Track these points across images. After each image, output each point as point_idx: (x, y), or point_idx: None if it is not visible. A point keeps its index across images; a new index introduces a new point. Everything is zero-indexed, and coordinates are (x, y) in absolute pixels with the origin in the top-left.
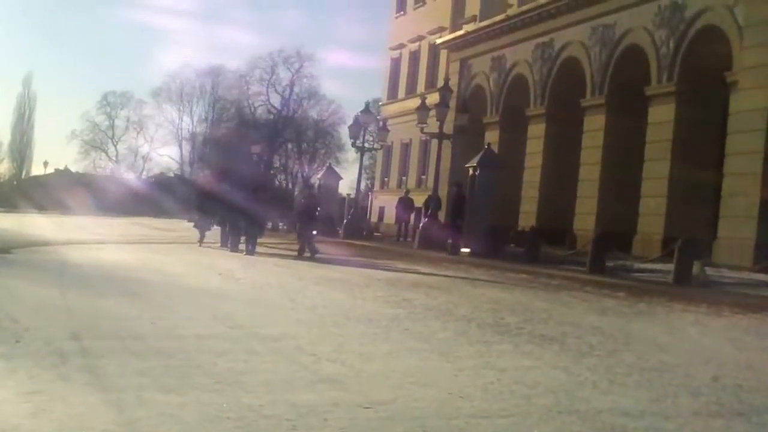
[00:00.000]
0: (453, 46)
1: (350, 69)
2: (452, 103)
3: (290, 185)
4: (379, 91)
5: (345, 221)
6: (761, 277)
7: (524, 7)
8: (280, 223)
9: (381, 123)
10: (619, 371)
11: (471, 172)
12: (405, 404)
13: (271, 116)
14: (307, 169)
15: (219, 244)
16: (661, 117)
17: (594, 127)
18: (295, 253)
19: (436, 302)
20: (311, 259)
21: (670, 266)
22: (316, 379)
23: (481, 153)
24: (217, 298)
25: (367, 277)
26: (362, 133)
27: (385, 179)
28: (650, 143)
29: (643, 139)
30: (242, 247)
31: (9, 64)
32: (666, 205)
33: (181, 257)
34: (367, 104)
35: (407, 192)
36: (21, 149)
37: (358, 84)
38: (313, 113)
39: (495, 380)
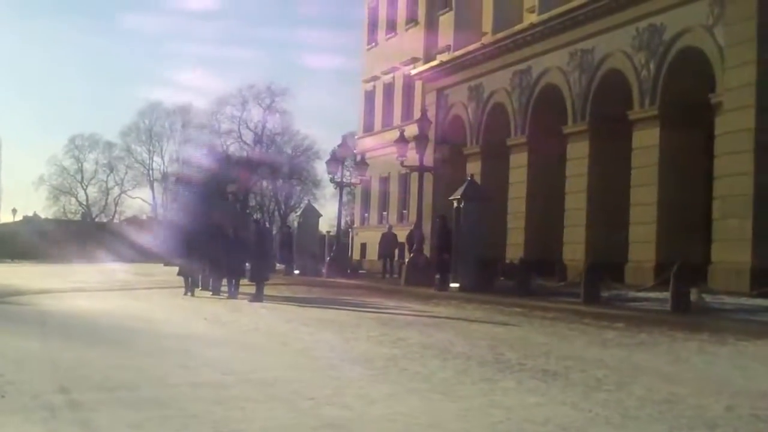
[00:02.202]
0: (428, 76)
1: (323, 103)
2: (431, 135)
3: (267, 224)
4: (354, 125)
5: (328, 259)
6: (760, 302)
7: (499, 35)
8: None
9: (359, 157)
10: (630, 405)
11: (456, 204)
12: None
13: (245, 153)
14: (284, 207)
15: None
16: (646, 141)
17: (578, 155)
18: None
19: (431, 340)
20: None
21: (666, 294)
22: (319, 424)
23: (464, 185)
24: (205, 344)
25: (357, 317)
26: (341, 168)
27: (365, 215)
28: (636, 168)
29: (629, 165)
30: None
31: None
32: (656, 232)
33: (163, 303)
34: (344, 138)
35: (390, 228)
36: None
37: (332, 118)
38: (288, 149)
39: (504, 419)
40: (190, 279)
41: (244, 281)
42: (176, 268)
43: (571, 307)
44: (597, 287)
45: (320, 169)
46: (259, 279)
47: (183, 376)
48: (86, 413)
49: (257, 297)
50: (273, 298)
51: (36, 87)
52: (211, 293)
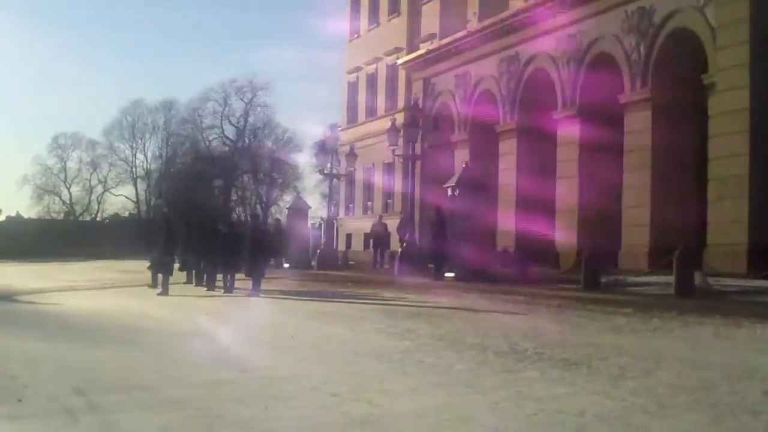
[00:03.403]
0: (415, 65)
1: (303, 96)
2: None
3: (248, 218)
4: (335, 118)
5: (318, 252)
6: (761, 283)
7: (486, 22)
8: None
9: (349, 148)
10: (663, 393)
11: (450, 192)
12: None
13: (227, 148)
14: (265, 200)
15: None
16: (638, 125)
17: (568, 140)
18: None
19: (441, 331)
20: (254, 295)
21: (664, 278)
22: (348, 421)
23: (459, 172)
24: (212, 340)
25: (359, 309)
26: (330, 159)
27: (350, 205)
28: (628, 152)
29: (621, 149)
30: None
31: None
32: (650, 216)
33: (160, 300)
34: (333, 129)
35: (380, 218)
36: None
37: (312, 111)
38: (269, 142)
39: (537, 411)
40: (163, 275)
41: (239, 276)
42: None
43: (572, 294)
44: (597, 274)
45: (301, 161)
46: (257, 274)
47: (198, 374)
48: (107, 415)
49: (255, 291)
50: (269, 293)
51: (17, 86)
52: (206, 288)
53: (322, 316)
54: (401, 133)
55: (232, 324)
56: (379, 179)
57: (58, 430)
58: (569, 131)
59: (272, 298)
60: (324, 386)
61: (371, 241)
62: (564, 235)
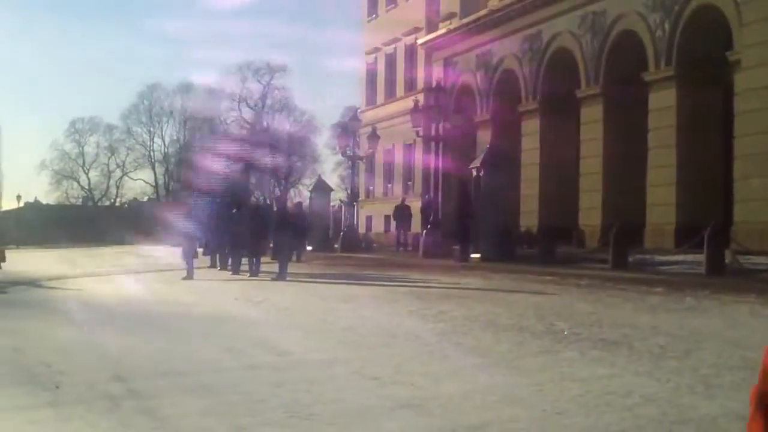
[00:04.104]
0: (435, 45)
1: (321, 78)
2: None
3: (268, 200)
4: (354, 99)
5: (341, 234)
6: None
7: (507, 0)
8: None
9: (371, 129)
10: (707, 373)
11: (474, 173)
12: (503, 427)
13: (245, 131)
14: (284, 183)
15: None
16: (663, 103)
17: (592, 119)
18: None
19: (474, 313)
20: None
21: (692, 257)
22: (394, 405)
23: (484, 152)
24: (245, 324)
25: (389, 292)
26: (353, 141)
27: (370, 187)
28: (653, 130)
29: (646, 127)
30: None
31: None
32: (675, 194)
33: (186, 284)
34: (352, 110)
35: (403, 199)
36: None
37: (330, 93)
38: (287, 125)
39: (583, 392)
40: (193, 262)
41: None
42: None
43: (601, 273)
44: (625, 253)
45: (320, 143)
46: (282, 257)
47: (235, 359)
48: (148, 401)
49: (281, 275)
50: (295, 275)
51: (35, 71)
52: (231, 272)
53: (353, 298)
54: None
55: (261, 307)
56: (399, 160)
57: (101, 416)
58: (592, 110)
59: (299, 281)
60: (364, 369)
61: (395, 222)
62: (588, 214)
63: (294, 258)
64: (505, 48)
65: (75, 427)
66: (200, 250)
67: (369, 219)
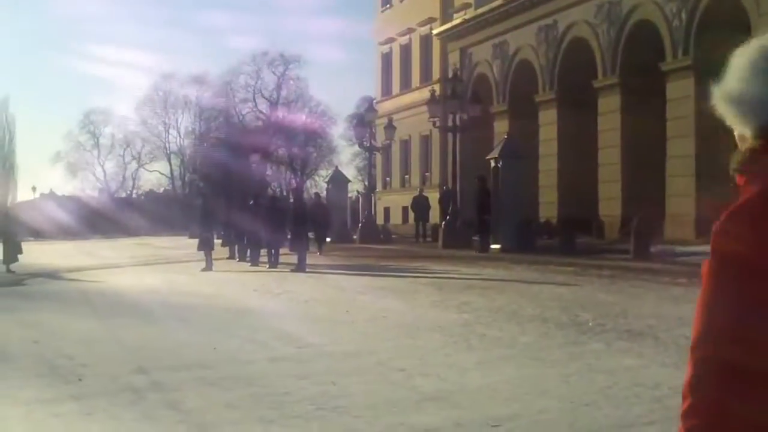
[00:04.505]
0: (451, 35)
1: (335, 69)
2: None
3: (284, 192)
4: (369, 90)
5: (360, 225)
6: None
7: None
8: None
9: (387, 120)
10: None
11: (493, 164)
12: (532, 418)
13: (260, 123)
14: (299, 174)
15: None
16: (680, 92)
17: (610, 109)
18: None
19: (497, 304)
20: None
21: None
22: (420, 397)
23: (501, 143)
24: (266, 316)
25: (410, 283)
26: (369, 132)
27: (387, 179)
28: (671, 120)
29: (663, 117)
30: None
31: None
32: (695, 184)
33: (205, 276)
34: (366, 101)
35: (421, 190)
36: (4, 175)
37: (345, 84)
38: (302, 116)
39: (611, 384)
40: (205, 251)
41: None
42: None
43: (623, 264)
44: (647, 243)
45: (336, 134)
46: (301, 248)
47: (256, 351)
48: (172, 394)
49: (300, 267)
50: (314, 267)
51: (49, 62)
52: (249, 264)
53: (374, 290)
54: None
55: (282, 299)
56: (416, 151)
57: (125, 408)
58: (610, 100)
59: (318, 272)
60: (389, 361)
61: (413, 213)
62: (608, 204)
63: (316, 250)
64: (521, 38)
65: (99, 420)
66: (218, 242)
67: (386, 210)
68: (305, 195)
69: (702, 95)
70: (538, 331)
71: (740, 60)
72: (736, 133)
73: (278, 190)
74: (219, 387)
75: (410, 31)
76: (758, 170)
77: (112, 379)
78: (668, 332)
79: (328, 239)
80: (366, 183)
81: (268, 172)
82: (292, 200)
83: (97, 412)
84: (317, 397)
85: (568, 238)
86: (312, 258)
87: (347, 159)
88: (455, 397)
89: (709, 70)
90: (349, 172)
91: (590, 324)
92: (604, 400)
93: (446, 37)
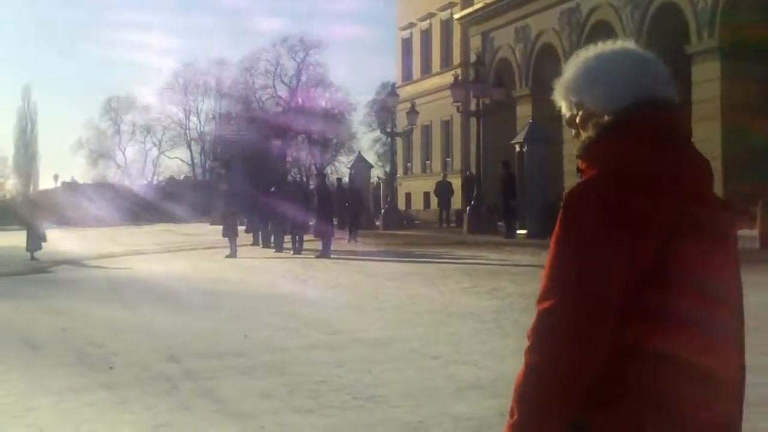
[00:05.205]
0: (472, 19)
1: (354, 54)
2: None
3: (305, 178)
4: (388, 75)
5: (383, 211)
6: None
7: None
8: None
9: (409, 105)
10: None
11: (518, 148)
12: None
13: (280, 109)
14: (319, 160)
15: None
16: (706, 75)
17: None
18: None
19: (528, 290)
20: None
21: (742, 231)
22: (460, 385)
23: (526, 127)
24: (295, 302)
25: (438, 269)
26: (392, 117)
27: (408, 165)
28: (697, 103)
29: (688, 100)
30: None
31: (6, 77)
32: (721, 169)
33: (230, 262)
34: (392, 86)
35: (445, 175)
36: (26, 163)
37: (364, 69)
38: (322, 102)
39: None
40: (230, 238)
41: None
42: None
43: None
44: None
45: (355, 120)
46: (326, 234)
47: (288, 338)
48: (206, 383)
49: (325, 253)
50: (339, 253)
51: (70, 50)
52: (274, 250)
53: (402, 276)
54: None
55: (309, 286)
56: (437, 137)
57: (159, 398)
58: None
59: (343, 259)
60: (423, 348)
61: (437, 199)
62: None
63: (349, 239)
64: (544, 22)
65: (133, 411)
66: (241, 228)
67: (407, 196)
68: (339, 181)
69: (728, 77)
70: None
71: (580, 62)
72: (578, 122)
73: (298, 176)
74: (253, 375)
75: (430, 15)
76: (594, 156)
77: (144, 367)
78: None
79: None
80: (386, 169)
81: (288, 158)
82: (312, 186)
83: (130, 402)
84: (353, 386)
85: None
86: (336, 244)
87: (367, 145)
88: (496, 386)
89: (736, 52)
90: (369, 158)
91: None
92: None
93: (468, 21)
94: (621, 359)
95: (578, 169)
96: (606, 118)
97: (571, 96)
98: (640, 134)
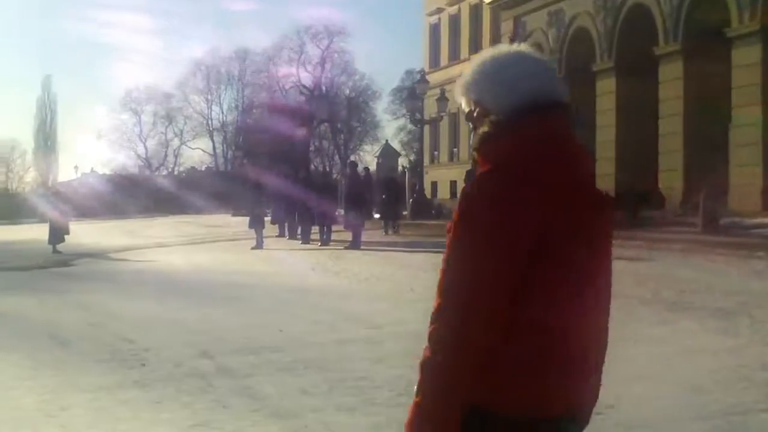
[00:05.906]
0: (504, 4)
1: (379, 40)
2: None
3: (328, 168)
4: (413, 63)
5: (411, 201)
6: None
7: None
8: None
9: (439, 92)
10: None
11: None
12: (638, 404)
13: (303, 97)
14: (343, 150)
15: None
16: (747, 59)
17: (671, 77)
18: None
19: None
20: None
21: None
22: None
23: None
24: (328, 295)
25: None
26: (421, 104)
27: (435, 153)
28: (737, 88)
29: (728, 85)
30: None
31: (26, 69)
32: (761, 154)
33: (257, 254)
34: (421, 73)
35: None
36: (46, 155)
37: (388, 57)
38: (346, 90)
39: (718, 367)
40: (256, 229)
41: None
42: (246, 219)
43: (693, 237)
44: (716, 216)
45: (379, 108)
46: (356, 225)
47: (324, 332)
48: (243, 380)
49: (355, 243)
50: (368, 243)
51: (89, 40)
52: (300, 241)
53: (435, 267)
54: None
55: (341, 278)
56: (465, 125)
57: (195, 396)
58: (671, 68)
59: (374, 249)
60: None
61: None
62: (669, 175)
63: (389, 230)
64: (578, 5)
65: (169, 409)
66: (267, 219)
67: (433, 185)
68: (366, 170)
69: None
70: (623, 309)
71: (479, 63)
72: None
73: (321, 166)
74: (291, 372)
75: (459, 0)
76: (485, 151)
77: (177, 364)
78: (762, 309)
79: (377, 215)
80: (411, 158)
81: (312, 147)
82: (341, 175)
83: (165, 400)
84: (396, 382)
85: (632, 211)
86: (366, 235)
87: (391, 133)
88: None
89: None
90: (395, 146)
91: (672, 301)
92: (712, 384)
93: (499, 5)
94: (502, 336)
95: (474, 161)
96: (498, 116)
97: (470, 94)
98: (525, 133)
